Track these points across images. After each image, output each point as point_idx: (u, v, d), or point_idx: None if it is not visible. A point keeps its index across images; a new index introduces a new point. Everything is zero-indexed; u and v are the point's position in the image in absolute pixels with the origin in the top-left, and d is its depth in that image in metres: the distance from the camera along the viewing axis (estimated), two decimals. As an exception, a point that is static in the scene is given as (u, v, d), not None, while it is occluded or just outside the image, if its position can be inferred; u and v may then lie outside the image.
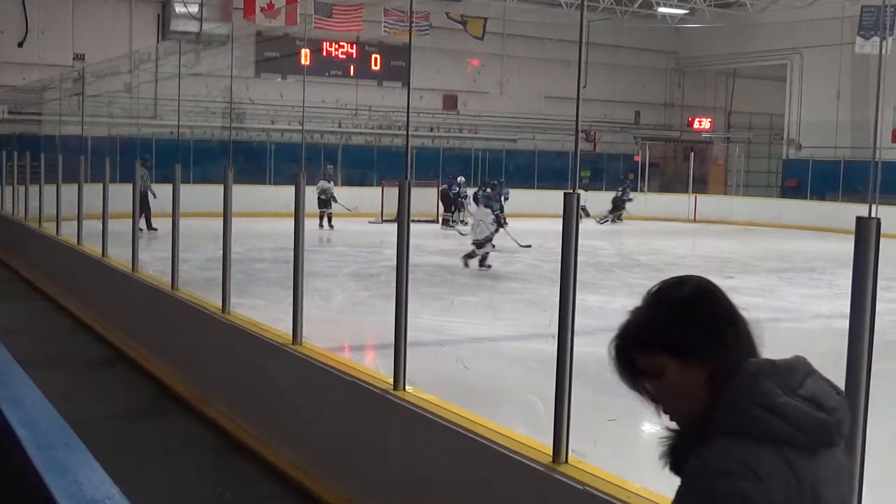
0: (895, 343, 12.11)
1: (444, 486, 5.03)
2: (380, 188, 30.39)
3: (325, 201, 27.97)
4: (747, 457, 1.86)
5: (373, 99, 36.36)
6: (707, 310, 2.11)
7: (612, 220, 32.69)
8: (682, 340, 2.03)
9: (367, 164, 35.03)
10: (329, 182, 28.97)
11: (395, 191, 6.13)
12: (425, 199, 28.99)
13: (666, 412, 2.09)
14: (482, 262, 18.95)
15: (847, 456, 2.04)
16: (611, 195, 34.47)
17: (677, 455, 2.07)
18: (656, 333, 2.06)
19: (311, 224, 28.00)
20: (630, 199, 34.34)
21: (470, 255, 18.96)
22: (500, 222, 20.06)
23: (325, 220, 27.65)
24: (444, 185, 31.21)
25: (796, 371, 2.00)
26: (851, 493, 2.08)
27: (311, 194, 29.20)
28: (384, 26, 31.22)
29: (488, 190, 24.82)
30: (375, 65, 35.67)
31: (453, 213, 30.13)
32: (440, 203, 30.61)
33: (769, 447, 1.88)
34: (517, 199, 34.14)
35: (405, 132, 8.21)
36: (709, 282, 2.20)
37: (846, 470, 2.02)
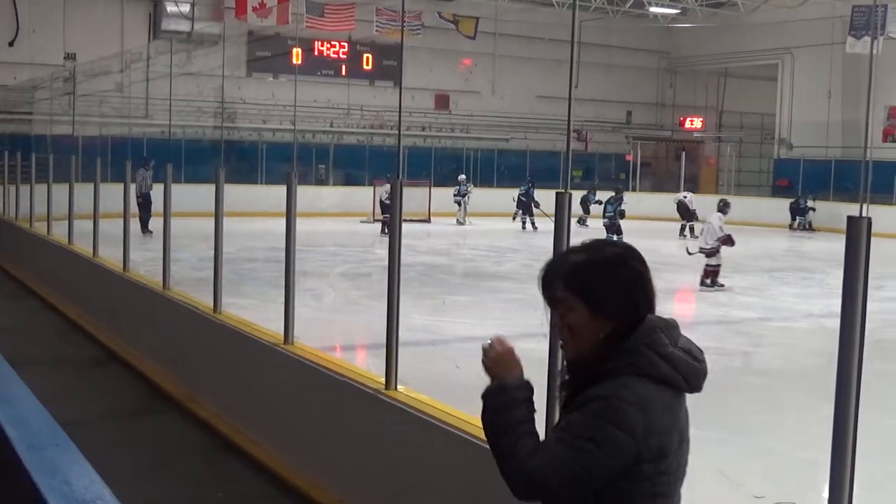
0: (886, 342, 12.14)
1: (437, 485, 5.03)
2: (371, 188, 30.35)
3: (386, 205, 27.37)
4: (639, 391, 2.30)
5: (364, 98, 36.33)
6: (627, 277, 2.46)
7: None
8: (599, 299, 2.40)
9: (359, 163, 35.00)
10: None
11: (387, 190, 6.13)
12: (417, 198, 29.00)
13: (563, 347, 2.47)
14: (710, 278, 17.23)
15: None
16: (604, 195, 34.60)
17: (568, 391, 2.43)
18: (582, 283, 2.41)
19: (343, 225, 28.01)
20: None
21: (709, 275, 17.26)
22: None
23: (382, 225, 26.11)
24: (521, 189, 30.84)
25: (676, 328, 2.44)
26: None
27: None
28: (376, 26, 31.22)
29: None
30: (367, 64, 35.64)
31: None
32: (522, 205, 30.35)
33: (656, 386, 2.33)
34: (508, 198, 34.27)
35: (397, 132, 8.22)
36: (633, 249, 2.55)
37: (687, 416, 2.51)
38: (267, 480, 6.62)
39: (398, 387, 5.46)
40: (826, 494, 3.05)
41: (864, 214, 2.98)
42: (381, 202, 26.81)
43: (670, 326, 2.43)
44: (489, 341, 2.49)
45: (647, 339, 2.36)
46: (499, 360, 2.46)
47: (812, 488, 6.64)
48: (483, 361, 2.48)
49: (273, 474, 6.62)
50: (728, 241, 17.14)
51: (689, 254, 17.83)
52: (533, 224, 28.83)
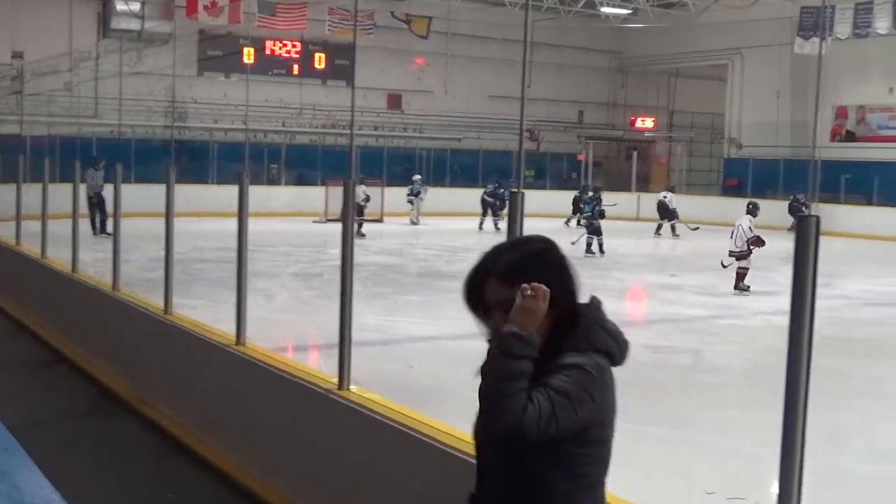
0: (832, 339, 12.31)
1: (389, 485, 5.02)
2: (324, 188, 30.25)
3: (360, 207, 26.85)
4: (599, 362, 2.56)
5: (317, 98, 36.21)
6: (560, 262, 2.66)
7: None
8: (554, 275, 2.60)
9: (312, 163, 34.89)
10: (363, 184, 27.89)
11: (340, 190, 6.11)
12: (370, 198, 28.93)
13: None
14: (741, 281, 17.19)
15: None
16: (561, 195, 34.91)
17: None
18: (524, 275, 2.54)
19: (295, 225, 27.89)
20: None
21: (741, 277, 17.22)
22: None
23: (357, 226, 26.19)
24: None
25: (602, 308, 2.70)
26: None
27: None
28: (328, 25, 31.13)
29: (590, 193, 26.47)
30: (319, 64, 35.50)
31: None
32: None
33: (602, 357, 2.58)
34: (460, 198, 34.33)
35: (349, 131, 8.19)
36: (551, 239, 2.74)
37: None
38: (219, 481, 6.58)
39: (351, 387, 5.44)
40: (776, 490, 3.09)
41: (813, 213, 3.02)
42: (357, 204, 26.57)
43: (602, 306, 2.71)
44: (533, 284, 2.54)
45: (596, 317, 2.64)
46: (534, 309, 2.52)
47: (762, 484, 6.71)
48: (520, 301, 2.52)
49: (225, 475, 6.58)
50: (758, 242, 17.20)
51: (724, 266, 17.98)
52: (496, 225, 28.70)
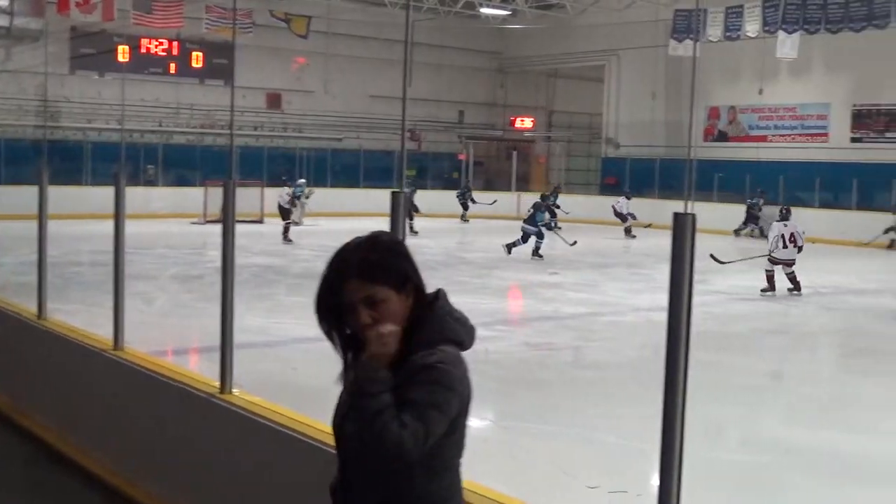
0: (707, 333, 12.63)
1: (273, 489, 4.97)
2: (203, 188, 29.77)
3: (286, 210, 26.02)
4: (452, 353, 2.60)
5: (194, 97, 35.64)
6: (407, 254, 2.70)
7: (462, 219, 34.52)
8: (400, 278, 2.62)
9: (190, 163, 34.28)
10: (287, 187, 27.02)
11: (219, 191, 6.02)
12: (249, 199, 28.62)
13: (370, 338, 2.56)
14: (794, 284, 17.12)
15: None
16: (443, 194, 35.13)
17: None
18: (381, 270, 2.60)
19: (173, 227, 27.30)
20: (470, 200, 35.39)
21: (793, 281, 17.16)
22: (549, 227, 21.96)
23: (283, 231, 25.30)
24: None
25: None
26: None
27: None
28: (206, 23, 30.66)
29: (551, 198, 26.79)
30: (197, 62, 34.93)
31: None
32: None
33: (455, 346, 2.63)
34: (343, 198, 34.17)
35: (228, 131, 8.08)
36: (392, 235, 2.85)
37: None
38: (99, 491, 6.42)
39: (233, 390, 5.37)
40: (656, 482, 3.14)
41: (689, 211, 3.08)
42: (280, 206, 26.01)
43: (448, 297, 2.74)
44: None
45: (446, 309, 2.68)
46: (389, 335, 2.57)
47: (643, 477, 6.84)
48: (371, 335, 2.57)
49: (105, 485, 6.43)
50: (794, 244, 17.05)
51: (722, 262, 18.20)
52: (411, 228, 28.47)
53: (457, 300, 2.74)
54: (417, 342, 2.59)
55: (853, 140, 32.29)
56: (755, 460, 7.79)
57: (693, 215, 3.08)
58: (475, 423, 8.93)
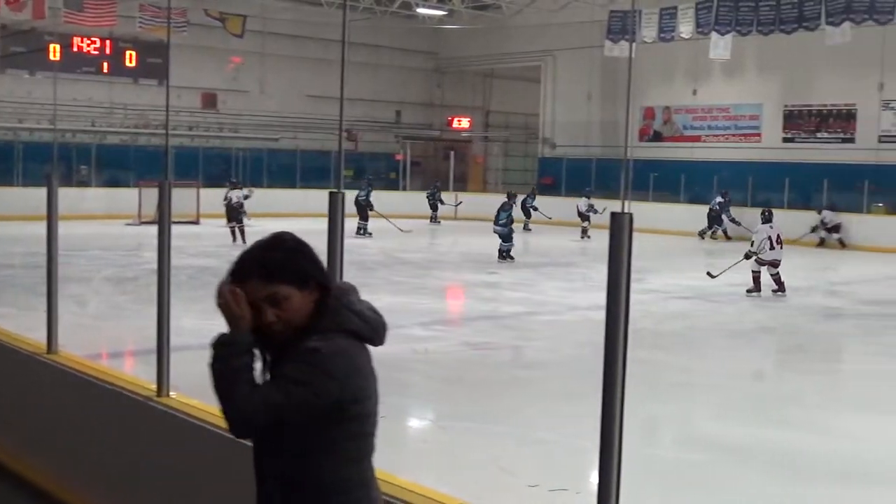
0: (644, 331, 12.75)
1: (212, 492, 4.93)
2: (137, 189, 29.40)
3: (234, 212, 25.18)
4: (342, 343, 2.70)
5: (128, 97, 35.20)
6: (311, 252, 2.82)
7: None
8: (302, 276, 2.74)
9: (124, 164, 33.85)
10: (238, 189, 26.28)
11: (154, 192, 5.95)
12: (185, 199, 28.31)
13: (276, 328, 2.72)
14: (779, 285, 17.08)
15: None
16: (386, 194, 34.96)
17: (275, 354, 2.76)
18: (283, 269, 2.74)
19: (107, 228, 26.88)
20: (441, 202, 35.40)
21: (778, 283, 17.13)
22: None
23: (239, 234, 24.62)
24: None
25: (357, 292, 2.85)
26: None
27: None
28: (139, 22, 30.28)
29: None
30: (130, 62, 34.48)
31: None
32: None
33: (354, 338, 2.74)
34: (280, 199, 33.95)
35: (163, 131, 7.99)
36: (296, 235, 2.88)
37: None
38: (33, 497, 6.32)
39: (170, 393, 5.32)
40: (595, 479, 3.17)
41: (626, 210, 3.11)
42: (233, 207, 25.49)
43: (354, 290, 2.85)
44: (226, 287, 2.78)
45: (343, 300, 2.77)
46: (232, 306, 2.75)
47: (582, 474, 6.89)
48: (217, 303, 2.78)
49: (39, 490, 6.33)
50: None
51: (713, 276, 17.96)
52: (364, 230, 28.23)
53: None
54: (312, 331, 2.71)
55: (785, 140, 32.79)
56: (691, 457, 7.88)
57: (630, 214, 3.10)
58: (415, 423, 8.97)
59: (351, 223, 26.75)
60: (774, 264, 17.06)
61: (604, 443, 3.12)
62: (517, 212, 25.37)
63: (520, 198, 28.63)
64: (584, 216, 29.86)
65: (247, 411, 2.63)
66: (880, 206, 29.82)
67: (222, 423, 4.80)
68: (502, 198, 34.05)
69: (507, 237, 22.01)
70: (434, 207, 35.58)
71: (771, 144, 32.88)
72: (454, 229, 31.11)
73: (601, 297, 3.14)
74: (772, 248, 16.86)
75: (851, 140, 31.08)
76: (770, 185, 30.59)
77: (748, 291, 17.10)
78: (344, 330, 2.72)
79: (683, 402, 9.89)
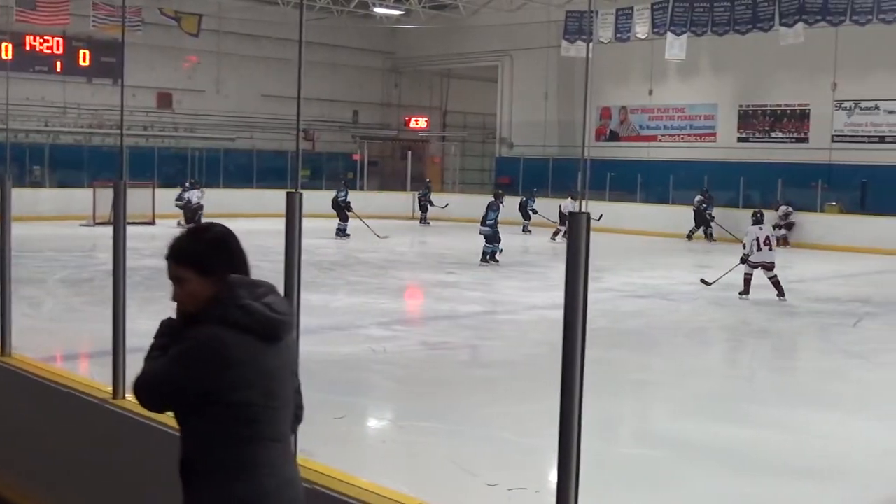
0: (601, 330, 12.81)
1: (168, 493, 4.89)
2: (91, 190, 29.11)
3: (190, 210, 24.48)
4: (219, 334, 2.89)
5: (82, 96, 34.86)
6: (228, 246, 3.07)
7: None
8: (203, 266, 3.00)
9: (77, 164, 33.47)
10: (194, 189, 25.53)
11: (109, 192, 5.89)
12: (140, 200, 28.05)
13: (179, 307, 3.07)
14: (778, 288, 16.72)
15: (285, 352, 3.07)
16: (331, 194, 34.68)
17: (174, 337, 3.05)
18: (187, 256, 3.04)
19: (61, 229, 26.57)
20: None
21: (776, 285, 16.73)
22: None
23: None
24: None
25: (262, 287, 3.00)
26: (294, 379, 3.17)
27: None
28: (93, 21, 29.97)
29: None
30: (84, 61, 34.17)
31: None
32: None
33: (237, 331, 2.89)
34: (236, 199, 33.75)
35: (118, 131, 7.91)
36: (228, 228, 3.13)
37: (292, 361, 3.14)
38: (-15, 501, 6.24)
39: (126, 395, 5.27)
40: (554, 478, 3.18)
41: (583, 210, 3.12)
42: (188, 206, 25.13)
43: (254, 285, 3.00)
44: None
45: (228, 294, 2.93)
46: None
47: (541, 473, 6.90)
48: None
49: (-7, 495, 6.25)
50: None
51: (709, 283, 17.81)
52: (343, 231, 28.03)
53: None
54: (203, 319, 2.95)
55: (740, 140, 33.09)
56: (649, 454, 7.93)
57: (588, 214, 3.12)
58: (374, 423, 8.96)
59: (309, 223, 26.55)
60: (767, 267, 16.72)
61: (562, 441, 3.13)
62: (513, 213, 24.25)
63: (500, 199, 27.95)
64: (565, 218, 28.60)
65: (141, 385, 3.01)
66: (834, 205, 30.19)
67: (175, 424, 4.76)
68: (456, 197, 34.11)
69: (491, 238, 21.51)
70: (424, 209, 35.49)
71: (726, 144, 33.17)
72: (443, 230, 31.07)
73: (559, 297, 3.15)
74: (759, 248, 16.63)
75: (805, 140, 31.43)
76: (725, 185, 30.83)
77: (740, 294, 16.81)
78: (227, 322, 2.89)
79: (641, 400, 9.95)
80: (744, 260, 16.81)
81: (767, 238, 16.75)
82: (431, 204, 35.40)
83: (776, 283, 16.67)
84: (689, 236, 30.52)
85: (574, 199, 29.32)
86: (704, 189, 30.62)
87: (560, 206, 29.15)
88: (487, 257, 21.38)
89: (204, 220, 26.41)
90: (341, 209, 28.15)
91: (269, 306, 2.95)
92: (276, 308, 2.97)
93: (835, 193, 30.18)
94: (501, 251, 21.45)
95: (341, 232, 27.81)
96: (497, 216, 21.86)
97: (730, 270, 17.56)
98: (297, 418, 3.23)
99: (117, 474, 5.31)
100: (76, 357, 11.21)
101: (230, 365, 2.87)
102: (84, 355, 11.32)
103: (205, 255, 3.02)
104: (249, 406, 2.91)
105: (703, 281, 18.07)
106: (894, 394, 10.73)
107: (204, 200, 29.20)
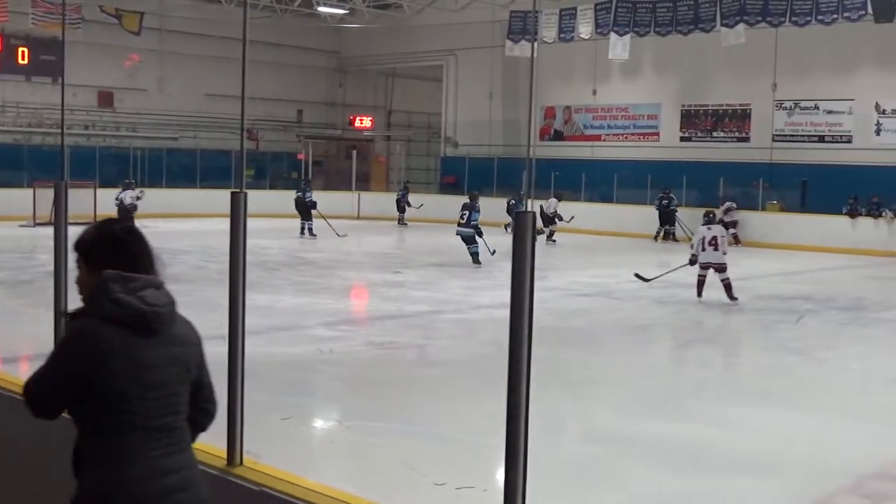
0: (547, 328, 12.86)
1: None
2: (31, 190, 28.68)
3: (123, 210, 23.92)
4: (90, 326, 3.00)
5: (21, 95, 34.35)
6: (111, 243, 3.15)
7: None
8: (90, 259, 3.14)
9: (16, 164, 32.95)
10: (131, 189, 24.87)
11: (49, 192, 5.82)
12: (82, 200, 27.69)
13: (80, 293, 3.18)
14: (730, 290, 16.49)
15: (172, 346, 3.12)
16: (288, 194, 34.61)
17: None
18: (80, 247, 3.18)
19: (0, 230, 26.09)
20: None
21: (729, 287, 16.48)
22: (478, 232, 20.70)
23: None
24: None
25: (139, 281, 3.07)
26: (188, 373, 3.20)
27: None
28: (32, 18, 29.56)
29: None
30: (23, 59, 33.68)
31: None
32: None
33: (109, 324, 2.98)
34: (179, 199, 33.47)
35: (58, 130, 7.80)
36: (130, 227, 3.24)
37: (183, 355, 3.17)
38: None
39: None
40: (501, 476, 3.18)
41: (529, 209, 3.13)
42: (121, 207, 24.65)
43: (129, 280, 3.06)
44: None
45: (102, 288, 3.03)
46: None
47: (488, 471, 6.92)
48: None
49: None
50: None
51: (646, 280, 17.53)
52: (310, 230, 28.15)
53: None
54: (83, 311, 3.09)
55: (682, 139, 33.44)
56: (595, 452, 7.98)
57: (533, 213, 3.12)
58: (320, 424, 8.92)
59: (254, 223, 26.41)
60: (718, 269, 16.44)
61: (509, 439, 3.14)
62: (484, 215, 23.23)
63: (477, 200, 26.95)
64: (549, 218, 28.47)
65: (27, 384, 3.12)
66: (775, 204, 30.61)
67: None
68: (410, 197, 33.94)
69: (471, 239, 21.07)
70: (402, 209, 35.44)
71: (669, 143, 33.50)
72: (357, 228, 31.00)
73: (505, 296, 3.15)
74: (703, 249, 16.41)
75: (746, 139, 31.85)
76: (669, 183, 31.10)
77: (698, 297, 16.62)
78: (101, 315, 3.00)
79: (586, 398, 10.00)
80: (692, 261, 16.69)
81: (714, 238, 16.52)
82: (409, 205, 35.49)
83: (727, 285, 16.49)
84: (657, 237, 30.61)
85: (559, 198, 29.35)
86: (665, 188, 30.78)
87: (542, 206, 28.74)
88: (478, 257, 20.93)
89: (136, 221, 26.35)
90: (306, 208, 28.21)
91: (143, 299, 3.03)
92: (149, 301, 3.05)
93: (776, 192, 30.62)
94: (494, 252, 21.06)
95: (309, 231, 28.08)
96: (478, 216, 21.34)
97: (672, 270, 17.63)
98: (206, 412, 3.30)
99: (60, 478, 5.24)
100: (16, 360, 11.04)
101: (102, 356, 2.96)
102: (24, 358, 11.14)
103: (91, 248, 3.15)
104: (121, 397, 2.98)
105: (638, 276, 17.86)
106: (834, 389, 10.90)
107: (143, 201, 28.87)
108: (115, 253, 3.12)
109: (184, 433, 3.19)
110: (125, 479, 3.02)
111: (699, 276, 16.67)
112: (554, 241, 28.10)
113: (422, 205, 35.22)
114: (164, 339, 3.08)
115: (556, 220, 28.64)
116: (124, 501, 3.03)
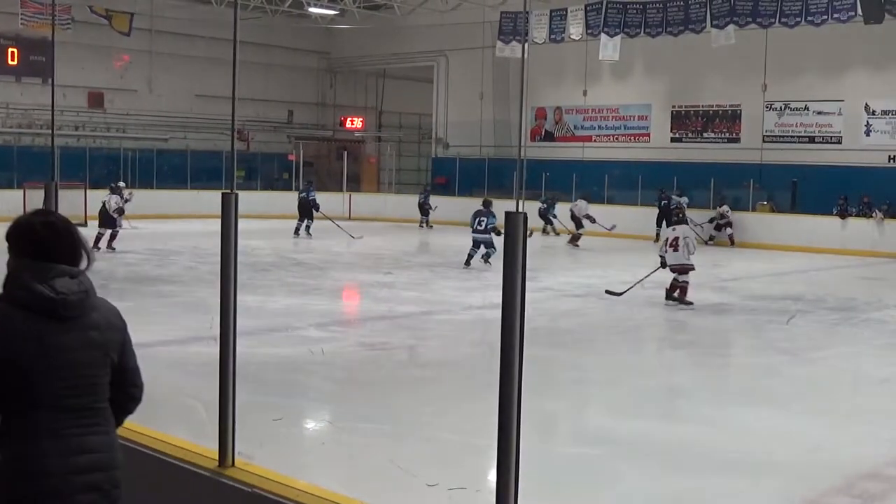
0: (539, 329, 12.88)
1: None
2: (22, 191, 28.59)
3: (108, 217, 23.70)
4: (5, 310, 3.14)
5: (11, 96, 34.24)
6: (30, 234, 3.27)
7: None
8: (10, 245, 3.26)
9: (6, 165, 32.88)
10: (118, 194, 24.77)
11: (40, 193, 5.80)
12: (72, 201, 27.63)
13: None
14: (683, 296, 16.13)
15: (87, 331, 3.24)
16: (279, 195, 34.60)
17: None
18: (6, 236, 3.25)
19: None
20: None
21: (677, 289, 16.17)
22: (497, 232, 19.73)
23: (107, 238, 23.19)
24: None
25: (52, 270, 3.19)
26: (106, 357, 3.31)
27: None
28: (21, 18, 29.48)
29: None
30: (13, 59, 33.60)
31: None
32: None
33: (20, 309, 3.13)
34: (170, 200, 33.41)
35: (48, 131, 7.77)
36: (58, 222, 3.34)
37: (102, 339, 3.28)
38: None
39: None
40: (493, 477, 3.18)
41: (520, 210, 3.13)
42: (107, 213, 24.49)
43: (44, 269, 3.19)
44: None
45: (15, 276, 3.20)
46: None
47: (480, 472, 6.92)
48: None
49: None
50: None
51: (618, 294, 16.65)
52: (308, 230, 28.17)
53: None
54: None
55: (673, 140, 33.47)
56: (586, 452, 7.98)
57: (524, 214, 3.12)
58: (312, 425, 8.91)
59: (245, 224, 26.37)
60: (679, 270, 16.13)
61: (501, 440, 3.14)
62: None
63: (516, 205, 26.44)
64: (579, 222, 28.13)
65: None
66: (765, 205, 30.66)
67: (121, 432, 4.69)
68: (392, 198, 33.96)
69: (489, 243, 20.68)
70: (426, 213, 34.83)
71: (659, 144, 33.54)
72: (348, 229, 30.99)
73: (496, 296, 3.15)
74: (665, 251, 16.26)
75: (737, 140, 31.89)
76: (659, 184, 31.15)
77: (687, 302, 16.26)
78: (13, 300, 3.16)
79: (578, 398, 10.01)
80: (663, 263, 16.39)
81: (675, 240, 16.19)
82: (431, 208, 34.61)
83: (682, 288, 16.14)
84: (657, 238, 30.35)
85: (588, 201, 29.06)
86: (662, 189, 30.78)
87: (571, 210, 28.52)
88: (487, 258, 20.75)
89: (128, 226, 26.38)
90: (308, 208, 28.27)
91: (53, 287, 3.16)
92: (58, 289, 3.17)
93: (766, 193, 30.67)
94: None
95: (306, 230, 28.23)
96: (494, 221, 20.84)
97: (644, 278, 16.78)
98: (130, 396, 3.44)
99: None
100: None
101: (9, 338, 3.11)
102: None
103: (12, 236, 3.28)
104: (25, 375, 3.11)
105: (609, 292, 16.78)
106: (825, 389, 10.93)
107: (132, 203, 28.76)
108: (31, 243, 3.25)
109: (104, 415, 3.31)
110: (35, 453, 3.13)
111: (682, 280, 16.29)
112: (578, 245, 27.58)
113: (436, 207, 34.99)
114: (80, 324, 3.22)
115: (588, 222, 27.88)
116: (34, 474, 3.12)
